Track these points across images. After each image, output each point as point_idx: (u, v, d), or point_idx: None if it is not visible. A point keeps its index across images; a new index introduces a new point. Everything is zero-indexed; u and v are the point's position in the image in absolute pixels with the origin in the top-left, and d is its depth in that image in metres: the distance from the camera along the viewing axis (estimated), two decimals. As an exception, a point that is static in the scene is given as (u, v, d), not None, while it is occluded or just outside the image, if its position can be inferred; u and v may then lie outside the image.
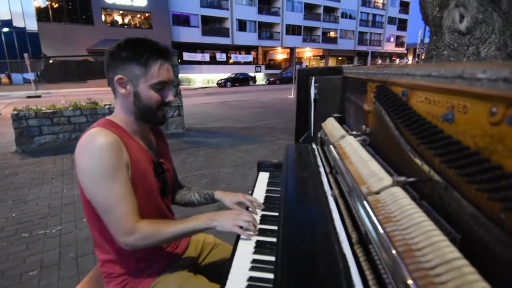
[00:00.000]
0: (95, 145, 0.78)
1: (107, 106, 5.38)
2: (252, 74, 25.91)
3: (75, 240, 2.18)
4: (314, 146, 1.50)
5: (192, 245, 1.12)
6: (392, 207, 0.55)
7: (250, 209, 1.07)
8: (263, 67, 30.22)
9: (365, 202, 0.63)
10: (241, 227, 0.89)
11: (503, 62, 0.37)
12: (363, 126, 1.07)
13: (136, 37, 0.87)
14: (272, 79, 26.85)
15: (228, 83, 23.32)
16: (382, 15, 38.83)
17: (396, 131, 0.77)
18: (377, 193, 0.62)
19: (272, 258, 0.83)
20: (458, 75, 0.46)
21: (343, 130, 1.14)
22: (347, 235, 0.71)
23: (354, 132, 1.06)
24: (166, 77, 0.87)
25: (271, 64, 32.93)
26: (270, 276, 0.75)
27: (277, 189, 1.29)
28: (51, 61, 5.20)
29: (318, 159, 1.28)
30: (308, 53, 35.49)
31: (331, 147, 1.09)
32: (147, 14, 22.90)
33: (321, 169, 1.15)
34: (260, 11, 29.03)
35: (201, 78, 26.73)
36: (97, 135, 0.79)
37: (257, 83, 26.53)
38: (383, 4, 38.51)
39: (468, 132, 0.48)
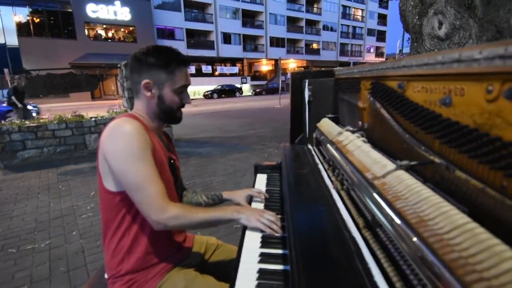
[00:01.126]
0: (123, 130, 0.83)
1: (93, 119, 5.29)
2: (238, 86, 26.12)
3: (66, 253, 2.11)
4: (309, 146, 1.54)
5: (196, 246, 1.12)
6: (399, 187, 0.58)
7: (257, 199, 1.14)
8: (248, 78, 30.56)
9: (371, 187, 0.66)
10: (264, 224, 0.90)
11: (497, 42, 0.41)
12: (359, 122, 1.11)
13: (161, 46, 0.95)
14: (258, 90, 27.16)
15: (215, 94, 23.41)
16: (361, 27, 40.30)
17: (394, 122, 0.82)
18: (382, 177, 0.65)
19: (279, 251, 0.84)
20: (456, 59, 0.50)
21: (339, 128, 1.18)
22: (354, 222, 0.73)
23: (351, 129, 1.10)
24: (188, 82, 0.97)
25: (256, 76, 33.36)
26: (280, 267, 0.77)
27: (277, 188, 1.31)
28: (34, 74, 5.08)
29: (316, 157, 1.31)
30: (292, 64, 36.20)
31: (329, 143, 1.12)
32: (131, 28, 22.86)
33: (320, 166, 1.18)
34: (244, 24, 29.57)
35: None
36: (124, 122, 0.84)
37: (243, 94, 26.72)
38: (362, 16, 40.03)
39: (466, 112, 0.52)
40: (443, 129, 0.58)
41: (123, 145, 0.82)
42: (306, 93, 1.50)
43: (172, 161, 1.05)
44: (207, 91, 23.61)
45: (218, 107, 13.79)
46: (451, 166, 0.56)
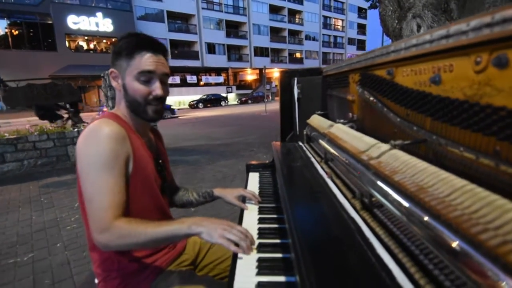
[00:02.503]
0: (97, 133, 0.77)
1: (76, 130, 5.15)
2: (224, 95, 26.18)
3: (50, 266, 2.01)
4: (300, 143, 1.55)
5: (189, 246, 1.09)
6: (395, 164, 0.59)
7: (251, 201, 1.09)
8: (234, 87, 30.71)
9: (368, 167, 0.67)
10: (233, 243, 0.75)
11: (484, 12, 0.43)
12: (349, 114, 1.14)
13: (132, 32, 0.87)
14: (244, 98, 27.31)
15: (200, 104, 23.34)
16: (342, 37, 41.50)
17: (385, 108, 0.84)
18: (378, 157, 0.67)
19: (278, 241, 0.83)
20: (444, 35, 0.53)
21: (330, 121, 1.20)
22: (351, 205, 0.74)
23: (342, 120, 1.12)
24: (150, 67, 0.83)
25: (241, 85, 33.57)
26: (279, 255, 0.76)
27: (269, 185, 1.31)
28: (14, 85, 4.91)
29: (307, 152, 1.32)
30: (276, 73, 36.65)
31: (321, 136, 1.14)
32: (113, 39, 22.64)
33: (312, 159, 1.19)
34: (228, 35, 29.87)
35: (172, 101, 26.54)
36: (103, 124, 0.79)
37: (229, 103, 26.78)
38: (343, 26, 41.29)
39: (455, 87, 0.54)
40: (434, 106, 0.60)
41: (92, 149, 0.76)
42: (295, 91, 1.52)
43: (160, 161, 1.00)
44: (192, 101, 23.51)
45: (204, 116, 13.74)
46: (443, 141, 0.58)
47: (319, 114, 1.45)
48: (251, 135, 7.50)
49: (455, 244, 0.38)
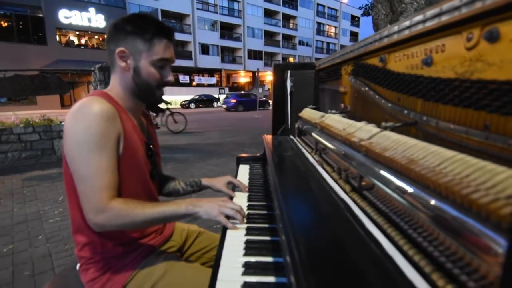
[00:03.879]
0: (87, 111, 0.74)
1: (63, 123, 5.03)
2: (216, 96, 26.09)
3: (31, 258, 1.94)
4: (291, 137, 1.55)
5: (176, 233, 1.07)
6: (386, 143, 0.59)
7: (238, 189, 1.08)
8: (226, 89, 30.63)
9: (359, 147, 0.67)
10: (226, 217, 0.81)
11: (478, -14, 0.44)
12: (341, 105, 1.14)
13: (143, 13, 0.87)
14: (236, 100, 27.22)
15: (192, 104, 23.20)
16: (335, 43, 42.07)
17: (376, 95, 0.84)
18: (369, 139, 0.66)
19: (266, 225, 0.83)
20: (437, 14, 0.53)
21: (322, 113, 1.20)
22: (341, 188, 0.73)
23: (334, 111, 1.12)
24: (169, 55, 0.86)
25: (234, 87, 33.57)
26: (267, 238, 0.75)
27: (259, 176, 1.30)
28: (1, 76, 4.77)
29: (299, 145, 1.32)
30: (269, 76, 36.84)
31: (313, 126, 1.14)
32: (105, 36, 22.33)
33: (303, 150, 1.19)
34: (222, 36, 29.88)
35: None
36: (92, 101, 0.75)
37: (221, 104, 26.70)
38: (336, 33, 41.90)
39: (447, 66, 0.55)
40: (425, 87, 0.61)
41: (81, 128, 0.73)
42: (288, 84, 1.52)
43: (150, 146, 0.98)
44: (184, 101, 23.35)
45: (196, 116, 13.66)
46: (434, 121, 0.58)
47: (311, 108, 1.45)
48: (242, 135, 7.48)
49: (446, 206, 0.38)
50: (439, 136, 0.57)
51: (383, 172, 0.54)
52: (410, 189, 0.46)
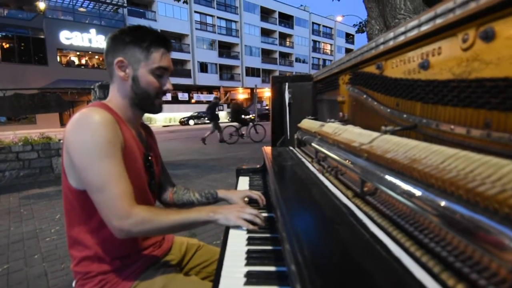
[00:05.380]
0: (89, 120, 0.73)
1: (61, 141, 5.03)
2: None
3: (26, 277, 1.89)
4: (291, 148, 1.54)
5: (175, 246, 1.04)
6: (387, 146, 0.59)
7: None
8: (225, 106, 30.92)
9: (359, 152, 0.66)
10: (246, 220, 0.83)
11: (470, -13, 0.45)
12: (340, 114, 1.15)
13: (139, 25, 0.88)
14: (234, 117, 27.39)
15: (191, 121, 23.31)
16: (331, 60, 42.89)
17: (375, 102, 0.85)
18: (369, 143, 0.66)
19: (268, 235, 0.81)
20: (432, 17, 0.54)
21: (321, 122, 1.21)
22: (343, 194, 0.72)
23: (333, 120, 1.12)
24: (166, 63, 0.87)
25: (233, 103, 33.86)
26: (269, 247, 0.73)
27: (260, 187, 1.29)
28: (1, 95, 4.80)
29: (299, 155, 1.31)
30: (267, 93, 37.29)
31: (312, 136, 1.14)
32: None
33: (303, 160, 1.18)
34: (220, 55, 30.45)
35: (162, 117, 26.45)
36: (92, 112, 0.75)
37: (220, 121, 26.82)
38: (331, 51, 42.85)
39: (444, 68, 0.55)
40: (424, 90, 0.61)
41: (87, 138, 0.73)
42: (286, 96, 1.54)
43: (149, 157, 0.95)
44: (183, 118, 23.47)
45: (194, 133, 13.69)
46: (434, 123, 0.58)
47: (310, 119, 1.46)
48: (241, 151, 7.48)
49: (452, 204, 0.37)
50: (440, 138, 0.57)
51: (385, 175, 0.54)
52: (414, 190, 0.45)
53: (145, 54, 0.84)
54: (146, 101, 0.88)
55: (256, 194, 1.08)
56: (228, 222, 0.82)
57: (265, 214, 0.97)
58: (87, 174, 0.73)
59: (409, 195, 0.46)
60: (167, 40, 0.88)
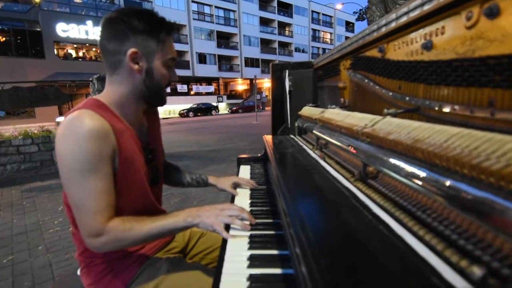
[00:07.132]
0: (78, 131, 0.68)
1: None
2: (214, 104, 26.17)
3: (31, 268, 1.91)
4: (292, 136, 1.54)
5: (179, 234, 1.05)
6: (390, 128, 0.58)
7: (244, 187, 1.09)
8: (224, 97, 30.77)
9: (361, 135, 0.66)
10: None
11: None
12: (341, 99, 1.14)
13: (145, 9, 0.80)
14: (234, 108, 27.36)
15: (191, 113, 23.26)
16: (330, 49, 42.43)
17: (377, 86, 0.84)
18: (371, 126, 0.66)
19: (270, 220, 0.81)
20: (436, -5, 0.53)
21: (322, 109, 1.20)
22: (344, 178, 0.72)
23: (334, 106, 1.11)
24: (175, 54, 0.83)
25: (232, 94, 33.72)
26: (271, 232, 0.74)
27: (261, 175, 1.29)
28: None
29: (299, 142, 1.31)
30: (267, 83, 37.07)
31: (313, 122, 1.13)
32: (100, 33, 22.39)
33: (305, 147, 1.18)
34: (219, 45, 30.12)
35: (161, 110, 26.36)
36: (82, 118, 0.69)
37: (220, 113, 26.77)
38: (331, 39, 42.32)
39: (447, 48, 0.55)
40: (427, 71, 0.60)
41: (72, 151, 0.68)
42: (287, 83, 1.53)
43: (150, 150, 0.91)
44: (182, 110, 23.40)
45: (194, 124, 13.69)
46: (437, 104, 0.58)
47: (311, 106, 1.45)
48: (242, 142, 7.48)
49: (456, 182, 0.37)
50: (443, 119, 0.56)
51: (388, 157, 0.54)
52: (417, 170, 0.45)
53: (161, 45, 0.78)
54: (157, 94, 0.83)
55: (244, 180, 1.10)
56: (206, 227, 0.76)
57: (267, 200, 0.98)
58: (67, 189, 0.71)
59: (411, 175, 0.46)
60: (172, 26, 0.82)
